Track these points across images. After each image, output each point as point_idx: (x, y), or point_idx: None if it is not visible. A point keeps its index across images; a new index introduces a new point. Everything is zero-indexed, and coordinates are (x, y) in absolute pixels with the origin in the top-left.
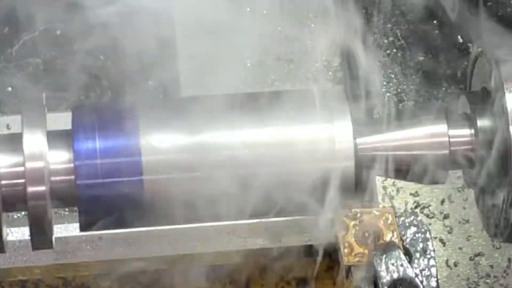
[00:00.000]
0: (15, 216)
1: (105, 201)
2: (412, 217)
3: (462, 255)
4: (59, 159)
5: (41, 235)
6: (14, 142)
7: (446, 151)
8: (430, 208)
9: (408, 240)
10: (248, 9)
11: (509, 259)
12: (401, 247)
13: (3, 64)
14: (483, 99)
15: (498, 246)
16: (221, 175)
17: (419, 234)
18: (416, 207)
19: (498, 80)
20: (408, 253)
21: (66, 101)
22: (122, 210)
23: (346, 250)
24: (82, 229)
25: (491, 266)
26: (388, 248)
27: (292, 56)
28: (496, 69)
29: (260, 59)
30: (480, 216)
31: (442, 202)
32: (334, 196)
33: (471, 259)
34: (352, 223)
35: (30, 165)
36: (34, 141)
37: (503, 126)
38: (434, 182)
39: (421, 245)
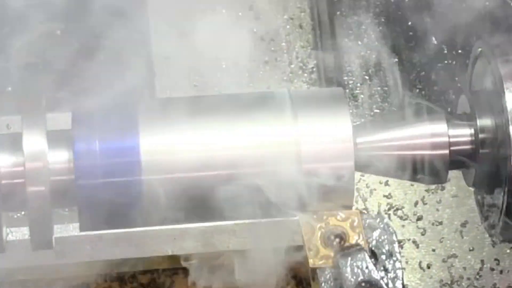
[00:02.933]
0: (15, 216)
1: (105, 201)
2: (378, 220)
3: (435, 257)
4: (59, 159)
5: (41, 235)
6: (14, 142)
7: (446, 151)
8: (403, 210)
9: (374, 242)
10: (223, 10)
11: (482, 261)
12: (367, 250)
13: (3, 64)
14: (483, 99)
15: (471, 248)
16: (220, 175)
17: (385, 236)
18: (389, 209)
19: (498, 80)
20: (374, 256)
21: (66, 101)
22: (122, 210)
23: (311, 253)
24: (82, 229)
25: (464, 268)
26: (353, 250)
27: (267, 57)
28: (496, 69)
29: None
30: (479, 215)
31: (416, 204)
32: (334, 196)
33: (444, 261)
34: (318, 225)
35: (30, 165)
36: (34, 141)
37: (503, 126)
38: (434, 182)
39: (387, 247)
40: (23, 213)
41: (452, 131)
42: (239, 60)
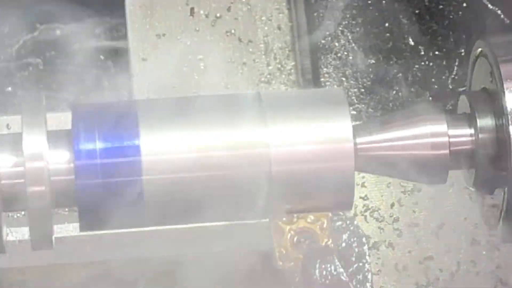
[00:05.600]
0: (15, 216)
1: (105, 201)
2: (347, 222)
3: (411, 259)
4: (59, 159)
5: (41, 235)
6: (14, 142)
7: (446, 151)
8: (379, 211)
9: (343, 244)
10: (202, 11)
11: (458, 263)
12: (336, 252)
13: (3, 64)
14: (483, 99)
15: (448, 250)
16: (221, 175)
17: (355, 239)
18: (365, 211)
19: (498, 80)
20: (343, 258)
21: (66, 101)
22: (122, 210)
23: (281, 255)
24: (82, 229)
25: (441, 270)
26: (322, 253)
27: (245, 59)
28: (496, 69)
29: (213, 62)
30: (480, 215)
31: (392, 205)
32: (334, 196)
33: (420, 263)
34: (288, 227)
35: (30, 165)
36: (34, 141)
37: (503, 126)
38: (434, 182)
39: (356, 250)
40: (23, 213)
41: (452, 131)
42: (217, 62)
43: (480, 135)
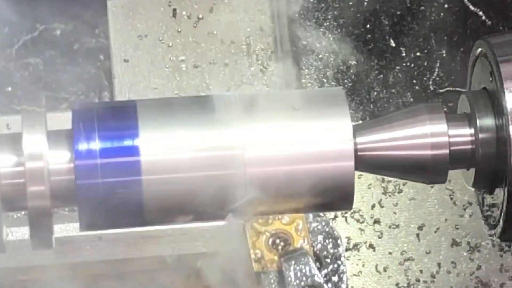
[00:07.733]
0: (15, 216)
1: (105, 201)
2: (323, 223)
3: (392, 260)
4: (59, 159)
5: (41, 235)
6: (14, 142)
7: (446, 151)
8: (360, 212)
9: (319, 246)
10: (184, 12)
11: (438, 264)
12: (311, 254)
13: (3, 64)
14: (483, 99)
15: (428, 251)
16: (221, 175)
17: (330, 240)
18: (346, 212)
19: (498, 80)
20: (318, 260)
21: (66, 101)
22: (122, 210)
23: (256, 256)
24: (82, 229)
25: (421, 271)
26: (297, 254)
27: (227, 60)
28: (496, 69)
29: (195, 63)
30: (481, 215)
31: (373, 207)
32: (334, 196)
33: (400, 264)
34: (263, 229)
35: (30, 165)
36: (34, 141)
37: (503, 126)
38: (434, 181)
39: (331, 251)
40: (23, 213)
41: (452, 131)
42: (199, 63)
43: (480, 135)
